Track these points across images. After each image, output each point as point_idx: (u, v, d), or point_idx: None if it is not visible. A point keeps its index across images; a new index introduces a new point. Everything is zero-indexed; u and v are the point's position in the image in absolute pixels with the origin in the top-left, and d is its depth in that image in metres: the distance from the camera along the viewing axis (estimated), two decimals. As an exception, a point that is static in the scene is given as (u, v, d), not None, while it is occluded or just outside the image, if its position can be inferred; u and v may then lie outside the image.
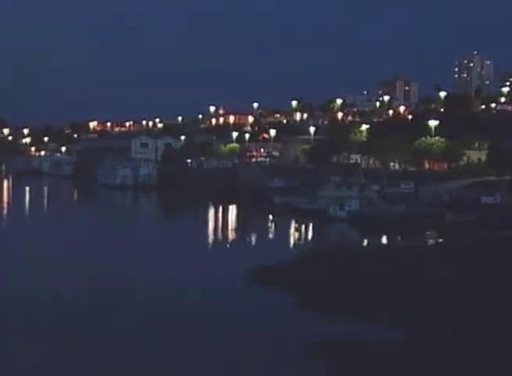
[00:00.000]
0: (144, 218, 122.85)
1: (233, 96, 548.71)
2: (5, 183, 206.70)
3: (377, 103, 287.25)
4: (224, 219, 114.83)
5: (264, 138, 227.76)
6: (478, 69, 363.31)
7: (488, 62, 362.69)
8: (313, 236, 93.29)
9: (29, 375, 36.10)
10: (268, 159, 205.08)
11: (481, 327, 41.37)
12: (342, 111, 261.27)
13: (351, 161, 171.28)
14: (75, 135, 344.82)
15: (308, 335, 41.68)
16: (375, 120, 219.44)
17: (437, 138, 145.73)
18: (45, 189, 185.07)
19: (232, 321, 45.64)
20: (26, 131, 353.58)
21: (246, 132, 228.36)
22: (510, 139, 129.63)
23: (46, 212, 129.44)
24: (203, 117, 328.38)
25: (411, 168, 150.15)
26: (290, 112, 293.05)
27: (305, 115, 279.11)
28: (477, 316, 43.31)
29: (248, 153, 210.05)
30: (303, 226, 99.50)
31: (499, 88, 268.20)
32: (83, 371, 36.36)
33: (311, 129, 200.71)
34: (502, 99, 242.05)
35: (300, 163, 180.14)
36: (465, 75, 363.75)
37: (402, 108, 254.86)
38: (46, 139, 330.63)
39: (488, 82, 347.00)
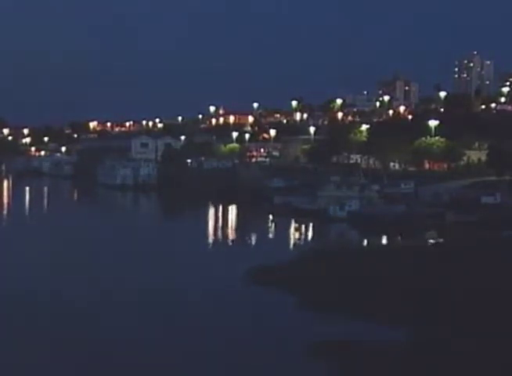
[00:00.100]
0: (144, 218, 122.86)
1: (233, 96, 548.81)
2: (5, 183, 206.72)
3: (377, 103, 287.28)
4: (224, 219, 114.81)
5: (264, 138, 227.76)
6: (478, 69, 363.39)
7: (488, 62, 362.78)
8: (313, 236, 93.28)
9: (29, 375, 36.10)
10: (268, 159, 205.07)
11: (481, 327, 41.36)
12: (342, 111, 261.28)
13: (351, 161, 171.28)
14: (75, 135, 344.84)
15: (308, 335, 41.68)
16: (375, 120, 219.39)
17: (437, 138, 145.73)
18: (45, 189, 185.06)
19: (232, 321, 45.65)
20: (26, 131, 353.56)
21: (246, 132, 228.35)
22: (510, 139, 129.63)
23: (46, 212, 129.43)
24: (203, 117, 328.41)
25: (411, 168, 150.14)
26: (290, 112, 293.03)
27: (305, 115, 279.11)
28: (477, 316, 43.30)
29: (248, 153, 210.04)
30: (303, 226, 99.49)
31: (499, 88, 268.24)
32: (83, 371, 36.36)
33: (311, 129, 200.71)
34: (503, 99, 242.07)
35: (300, 163, 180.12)
36: (465, 75, 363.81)
37: (402, 108, 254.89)
38: (46, 139, 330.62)
39: (488, 82, 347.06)
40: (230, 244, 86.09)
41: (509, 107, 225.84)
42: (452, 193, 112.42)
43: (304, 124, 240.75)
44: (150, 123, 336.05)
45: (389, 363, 36.20)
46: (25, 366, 36.70)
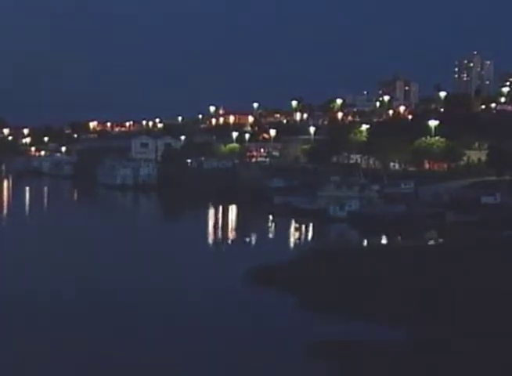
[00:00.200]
0: (144, 218, 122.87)
1: (233, 96, 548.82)
2: (5, 183, 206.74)
3: (377, 103, 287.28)
4: (224, 219, 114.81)
5: (264, 138, 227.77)
6: (478, 69, 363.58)
7: (488, 62, 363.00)
8: (313, 236, 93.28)
9: (29, 375, 36.11)
10: (268, 159, 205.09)
11: (481, 327, 41.35)
12: (342, 111, 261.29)
13: (351, 161, 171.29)
14: (75, 135, 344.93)
15: (308, 335, 41.68)
16: (375, 120, 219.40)
17: (437, 138, 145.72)
18: (45, 189, 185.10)
19: (232, 321, 45.65)
20: (26, 131, 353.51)
21: (246, 132, 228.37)
22: (510, 139, 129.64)
23: (46, 212, 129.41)
24: (203, 117, 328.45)
25: (411, 168, 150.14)
26: (290, 112, 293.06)
27: (305, 115, 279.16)
28: (477, 316, 43.29)
29: (248, 153, 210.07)
30: (303, 226, 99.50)
31: (499, 88, 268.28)
32: (83, 371, 36.36)
33: (311, 129, 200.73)
34: (503, 99, 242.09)
35: (300, 163, 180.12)
36: (465, 75, 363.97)
37: (402, 108, 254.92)
38: (46, 139, 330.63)
39: (488, 82, 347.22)
40: (230, 243, 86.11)
41: (509, 107, 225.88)
42: (452, 193, 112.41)
43: (304, 124, 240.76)
44: (150, 123, 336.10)
45: (389, 363, 36.19)
46: (25, 366, 36.71)
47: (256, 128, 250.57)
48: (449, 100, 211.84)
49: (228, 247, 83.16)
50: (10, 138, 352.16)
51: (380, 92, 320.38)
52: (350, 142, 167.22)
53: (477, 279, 53.36)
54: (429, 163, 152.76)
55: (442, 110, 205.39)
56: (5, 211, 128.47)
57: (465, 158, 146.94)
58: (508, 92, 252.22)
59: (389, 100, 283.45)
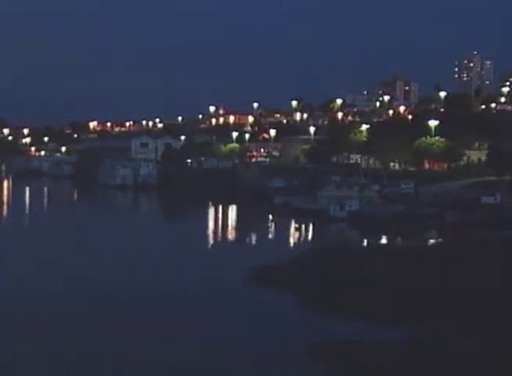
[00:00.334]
0: (144, 218, 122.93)
1: (233, 96, 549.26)
2: (5, 183, 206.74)
3: (377, 103, 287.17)
4: (224, 219, 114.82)
5: (264, 138, 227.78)
6: (478, 69, 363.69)
7: (488, 62, 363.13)
8: (313, 236, 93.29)
9: (29, 375, 36.11)
10: (268, 159, 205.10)
11: (481, 327, 41.36)
12: (342, 111, 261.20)
13: (351, 161, 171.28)
14: (75, 135, 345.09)
15: (308, 335, 41.69)
16: (375, 120, 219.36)
17: (437, 138, 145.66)
18: (45, 189, 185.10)
19: (232, 321, 45.64)
20: (26, 131, 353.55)
21: (246, 132, 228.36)
22: (510, 139, 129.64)
23: (46, 212, 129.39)
24: (203, 117, 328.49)
25: (411, 168, 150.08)
26: (290, 112, 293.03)
27: (305, 115, 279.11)
28: (477, 316, 43.30)
29: (248, 153, 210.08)
30: (303, 226, 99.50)
31: (499, 88, 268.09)
32: (83, 371, 36.35)
33: (311, 129, 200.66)
34: (503, 99, 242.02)
35: (300, 163, 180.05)
36: (465, 75, 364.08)
37: (402, 108, 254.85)
38: (46, 139, 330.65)
39: (488, 82, 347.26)
40: (230, 243, 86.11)
41: (509, 107, 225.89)
42: (452, 193, 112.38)
43: (304, 124, 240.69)
44: (150, 123, 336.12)
45: (389, 363, 36.20)
46: (25, 366, 36.71)
47: (256, 128, 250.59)
48: (449, 100, 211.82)
49: (228, 247, 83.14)
50: (10, 138, 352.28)
51: (380, 92, 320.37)
52: (350, 142, 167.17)
53: (477, 279, 53.38)
54: (429, 163, 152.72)
55: (442, 110, 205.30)
56: (4, 211, 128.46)
57: (465, 158, 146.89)
58: (508, 92, 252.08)
59: (389, 100, 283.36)
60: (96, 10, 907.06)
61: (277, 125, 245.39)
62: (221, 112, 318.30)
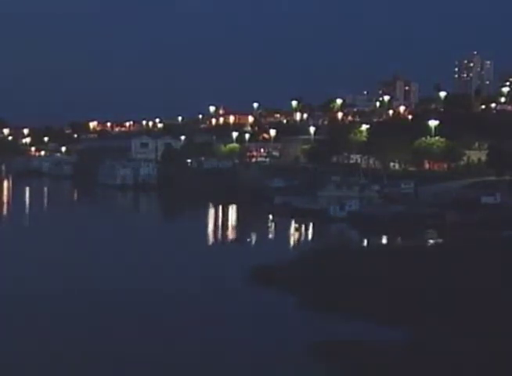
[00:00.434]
0: (144, 218, 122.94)
1: (233, 96, 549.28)
2: (5, 183, 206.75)
3: (377, 103, 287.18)
4: (224, 219, 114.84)
5: (264, 138, 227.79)
6: (478, 69, 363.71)
7: (488, 62, 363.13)
8: (313, 236, 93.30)
9: (29, 375, 36.12)
10: (268, 159, 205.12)
11: (481, 327, 41.36)
12: (342, 111, 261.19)
13: (351, 161, 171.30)
14: (75, 135, 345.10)
15: (308, 335, 41.70)
16: (375, 120, 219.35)
17: (437, 138, 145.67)
18: (45, 189, 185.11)
19: (232, 321, 45.64)
20: (26, 131, 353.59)
21: (246, 132, 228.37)
22: (510, 139, 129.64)
23: (46, 212, 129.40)
24: (203, 117, 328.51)
25: (411, 168, 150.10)
26: (290, 112, 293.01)
27: (305, 115, 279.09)
28: (477, 316, 43.31)
29: (248, 153, 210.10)
30: (303, 226, 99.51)
31: (499, 88, 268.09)
32: (83, 371, 36.35)
33: (311, 129, 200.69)
34: (503, 99, 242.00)
35: (300, 163, 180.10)
36: (465, 75, 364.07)
37: (402, 108, 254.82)
38: (46, 139, 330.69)
39: (488, 82, 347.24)
40: (230, 243, 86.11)
41: (509, 107, 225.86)
42: (452, 193, 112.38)
43: (304, 124, 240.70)
44: (150, 123, 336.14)
45: (389, 363, 36.20)
46: (25, 366, 36.71)
47: (256, 128, 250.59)
48: (449, 100, 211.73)
49: (228, 247, 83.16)
50: (10, 138, 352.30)
51: (380, 92, 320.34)
52: (350, 142, 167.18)
53: (477, 279, 53.39)
54: (429, 163, 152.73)
55: (442, 110, 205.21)
56: (4, 211, 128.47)
57: (465, 158, 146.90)
58: (508, 92, 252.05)
59: (389, 100, 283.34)
60: (96, 10, 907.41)
61: (277, 125, 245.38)
62: (221, 112, 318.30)
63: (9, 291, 54.07)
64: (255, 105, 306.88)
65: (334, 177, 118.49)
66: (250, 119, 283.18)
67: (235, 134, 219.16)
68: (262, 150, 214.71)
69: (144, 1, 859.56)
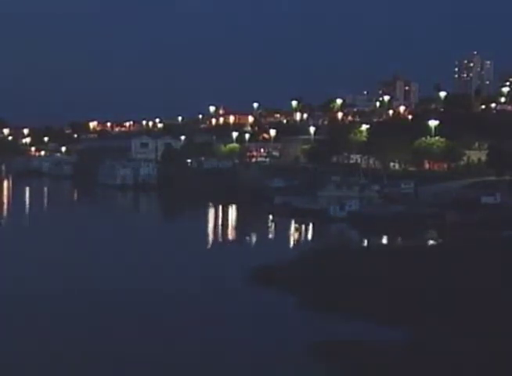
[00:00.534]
0: (144, 218, 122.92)
1: (233, 96, 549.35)
2: (5, 183, 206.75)
3: (377, 103, 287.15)
4: (224, 219, 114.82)
5: (264, 138, 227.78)
6: (478, 69, 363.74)
7: (488, 62, 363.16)
8: (313, 236, 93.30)
9: (29, 375, 36.11)
10: (268, 159, 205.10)
11: (481, 327, 41.36)
12: (342, 111, 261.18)
13: (351, 161, 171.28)
14: (75, 135, 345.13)
15: (308, 335, 41.69)
16: (375, 120, 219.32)
17: (437, 138, 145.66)
18: (45, 189, 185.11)
19: (233, 321, 45.64)
20: (26, 131, 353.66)
21: (246, 132, 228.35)
22: (510, 139, 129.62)
23: (46, 212, 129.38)
24: (203, 117, 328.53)
25: (411, 168, 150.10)
26: (290, 112, 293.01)
27: (305, 115, 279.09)
28: (477, 316, 43.31)
29: (248, 153, 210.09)
30: (303, 226, 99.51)
31: (499, 88, 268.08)
32: (83, 371, 36.35)
33: (311, 129, 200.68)
34: (503, 99, 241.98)
35: (300, 163, 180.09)
36: (465, 75, 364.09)
37: (402, 108, 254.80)
38: (46, 139, 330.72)
39: (488, 82, 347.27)
40: (230, 243, 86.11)
41: (509, 107, 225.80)
42: (452, 193, 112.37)
43: (304, 124, 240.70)
44: (150, 123, 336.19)
45: (389, 363, 36.20)
46: (25, 366, 36.71)
47: (256, 128, 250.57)
48: (449, 100, 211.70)
49: (228, 247, 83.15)
50: (10, 138, 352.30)
51: (380, 92, 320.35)
52: (350, 142, 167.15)
53: (477, 279, 53.39)
54: (429, 163, 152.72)
55: (442, 110, 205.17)
56: (5, 211, 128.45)
57: (465, 158, 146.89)
58: (508, 92, 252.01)
59: (389, 100, 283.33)
60: (96, 10, 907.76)
61: (277, 125, 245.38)
62: (221, 112, 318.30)
63: (9, 291, 54.09)
64: (255, 105, 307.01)
65: (334, 177, 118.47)
66: (250, 119, 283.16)
67: (235, 134, 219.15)
68: (262, 150, 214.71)
69: (144, 1, 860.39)
